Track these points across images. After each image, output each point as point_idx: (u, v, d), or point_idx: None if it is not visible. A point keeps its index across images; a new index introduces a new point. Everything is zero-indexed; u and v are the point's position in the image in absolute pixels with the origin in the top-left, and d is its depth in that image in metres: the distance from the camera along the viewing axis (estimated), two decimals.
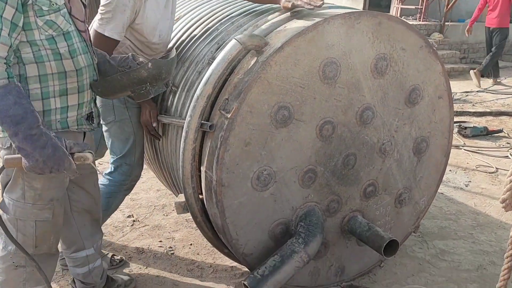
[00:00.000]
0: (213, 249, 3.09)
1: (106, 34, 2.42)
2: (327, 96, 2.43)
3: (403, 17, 12.31)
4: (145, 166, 3.58)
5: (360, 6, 14.40)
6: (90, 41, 2.07)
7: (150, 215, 3.66)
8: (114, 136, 2.80)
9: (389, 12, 13.25)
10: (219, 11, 2.95)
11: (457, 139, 5.87)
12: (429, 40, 2.68)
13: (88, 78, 1.99)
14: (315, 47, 2.32)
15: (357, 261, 2.93)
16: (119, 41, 2.49)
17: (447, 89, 2.84)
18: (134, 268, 2.98)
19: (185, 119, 2.39)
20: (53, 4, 1.80)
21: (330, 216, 2.69)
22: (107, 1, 2.41)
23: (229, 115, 2.21)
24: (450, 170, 4.86)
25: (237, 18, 2.77)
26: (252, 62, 2.30)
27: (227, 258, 2.91)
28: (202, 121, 2.34)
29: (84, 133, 2.14)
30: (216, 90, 2.36)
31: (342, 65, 2.42)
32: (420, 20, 11.67)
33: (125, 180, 2.87)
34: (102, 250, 3.03)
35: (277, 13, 2.63)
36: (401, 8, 12.42)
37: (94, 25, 2.48)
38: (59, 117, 1.93)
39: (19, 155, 1.79)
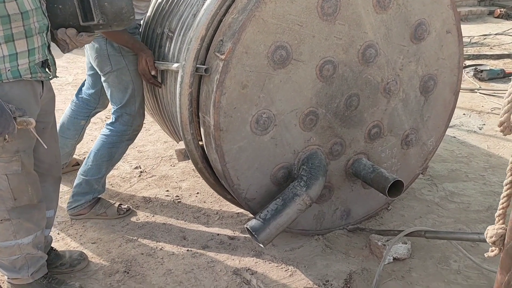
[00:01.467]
0: (219, 197, 3.09)
1: None
2: (327, 34, 2.33)
3: None
4: (152, 118, 3.57)
5: None
6: None
7: (157, 166, 3.67)
8: (112, 86, 2.77)
9: None
10: None
11: (472, 83, 5.69)
12: None
13: (36, 22, 1.86)
14: None
15: (363, 204, 2.91)
16: None
17: (456, 23, 2.70)
18: (141, 216, 3.01)
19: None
20: None
21: (333, 159, 2.65)
22: None
23: (223, 57, 2.14)
24: (464, 114, 4.74)
25: None
26: (246, 0, 2.20)
27: (233, 205, 2.92)
28: (197, 65, 2.28)
29: (42, 82, 2.04)
30: (211, 32, 2.29)
31: (342, 0, 2.31)
32: None
33: (126, 130, 2.86)
34: (109, 200, 3.07)
35: None
36: None
37: None
38: (8, 66, 1.82)
39: None
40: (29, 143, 2.01)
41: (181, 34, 2.58)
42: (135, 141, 4.00)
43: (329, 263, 2.58)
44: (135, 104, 2.81)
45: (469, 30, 8.40)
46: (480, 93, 5.36)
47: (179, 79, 2.31)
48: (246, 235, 2.79)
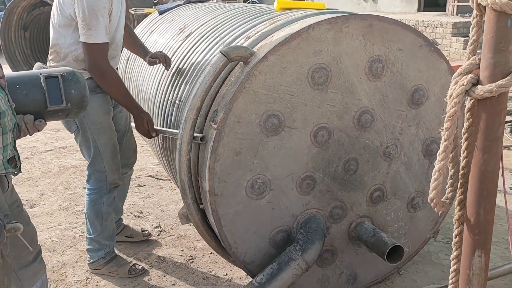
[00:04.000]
0: None
1: (98, 41, 2.59)
2: (319, 102, 2.42)
3: (459, 14, 11.80)
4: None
5: (415, 7, 14.02)
6: (6, 86, 1.96)
7: (176, 225, 3.78)
8: (80, 144, 2.92)
9: (445, 10, 12.77)
10: (222, 27, 3.04)
11: (509, 140, 5.53)
12: (430, 39, 2.60)
13: (9, 120, 1.92)
14: (301, 54, 2.33)
15: (370, 268, 2.86)
16: (108, 42, 2.68)
17: None
18: (153, 276, 3.10)
19: None
20: None
21: (335, 222, 2.66)
22: (86, 12, 2.54)
23: (215, 126, 2.27)
24: None
25: (233, 34, 2.84)
26: (239, 73, 2.35)
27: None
28: (194, 134, 2.42)
29: (6, 177, 2.05)
30: (208, 102, 2.44)
31: (333, 70, 2.40)
32: None
33: (102, 186, 2.96)
34: (125, 259, 3.19)
35: (268, 23, 2.67)
36: (457, 5, 11.91)
37: (82, 38, 2.61)
38: None
39: None
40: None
41: (186, 103, 2.76)
42: (159, 200, 4.20)
43: None
44: (102, 161, 2.91)
45: None
46: None
47: (177, 146, 2.45)
48: None
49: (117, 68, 2.98)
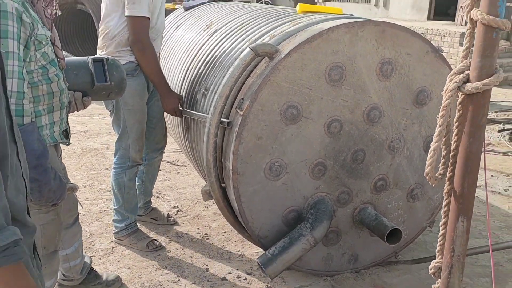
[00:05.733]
0: (243, 238, 3.44)
1: (140, 14, 2.91)
2: (334, 96, 2.72)
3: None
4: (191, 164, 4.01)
5: (424, 15, 14.27)
6: (63, 68, 2.29)
7: (192, 207, 4.09)
8: (113, 121, 3.27)
9: (454, 20, 13.02)
10: (248, 25, 3.34)
11: (508, 146, 5.81)
12: (436, 46, 2.89)
13: (66, 97, 2.26)
14: (320, 53, 2.63)
15: (370, 250, 3.16)
16: (149, 18, 3.00)
17: None
18: (172, 249, 3.41)
19: None
20: (47, 37, 2.07)
21: (341, 206, 2.96)
22: None
23: (242, 112, 2.58)
24: (492, 176, 4.88)
25: (258, 32, 3.14)
26: (264, 67, 2.65)
27: (255, 245, 3.25)
28: (222, 119, 2.72)
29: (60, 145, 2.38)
30: (234, 92, 2.74)
31: (348, 69, 2.70)
32: None
33: (125, 162, 3.28)
34: (145, 233, 3.50)
35: (291, 24, 2.97)
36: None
37: (127, 12, 2.95)
38: (48, 132, 2.17)
39: None
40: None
41: (213, 92, 3.06)
42: (176, 183, 4.50)
43: None
44: (128, 140, 3.22)
45: (502, 94, 8.48)
46: None
47: (206, 129, 2.76)
48: (261, 272, 3.10)
49: (159, 55, 3.30)
